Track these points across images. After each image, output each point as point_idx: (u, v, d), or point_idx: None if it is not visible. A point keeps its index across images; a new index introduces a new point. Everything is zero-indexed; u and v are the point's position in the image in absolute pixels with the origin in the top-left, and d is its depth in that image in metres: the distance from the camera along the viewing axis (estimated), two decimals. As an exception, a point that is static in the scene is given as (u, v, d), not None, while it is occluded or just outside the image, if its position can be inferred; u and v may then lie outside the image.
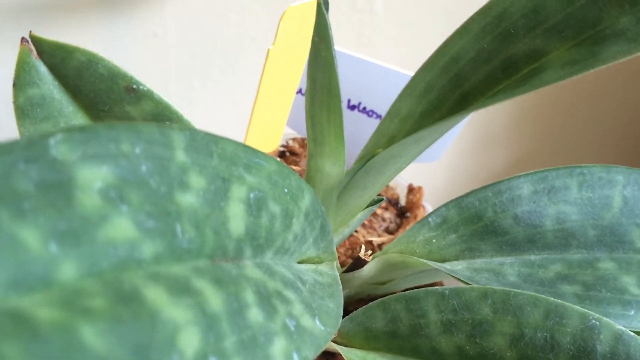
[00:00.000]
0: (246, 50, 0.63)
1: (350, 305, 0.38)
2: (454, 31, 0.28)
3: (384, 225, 0.45)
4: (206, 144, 0.21)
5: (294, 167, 0.44)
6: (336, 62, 0.26)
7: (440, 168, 0.81)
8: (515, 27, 0.26)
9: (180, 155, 0.19)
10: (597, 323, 0.27)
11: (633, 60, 0.76)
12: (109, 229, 0.16)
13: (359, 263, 0.34)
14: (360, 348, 0.32)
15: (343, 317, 0.32)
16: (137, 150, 0.18)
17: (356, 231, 0.43)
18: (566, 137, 0.87)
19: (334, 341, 0.32)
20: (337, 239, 0.35)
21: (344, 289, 0.36)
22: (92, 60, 0.26)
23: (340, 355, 0.31)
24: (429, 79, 0.29)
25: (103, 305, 0.15)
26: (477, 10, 0.28)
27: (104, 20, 0.55)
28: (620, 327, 0.27)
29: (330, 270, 0.31)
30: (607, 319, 0.27)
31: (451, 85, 0.29)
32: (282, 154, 0.47)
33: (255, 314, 0.20)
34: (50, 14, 0.52)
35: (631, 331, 0.27)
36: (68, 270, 0.15)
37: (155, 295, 0.16)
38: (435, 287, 0.31)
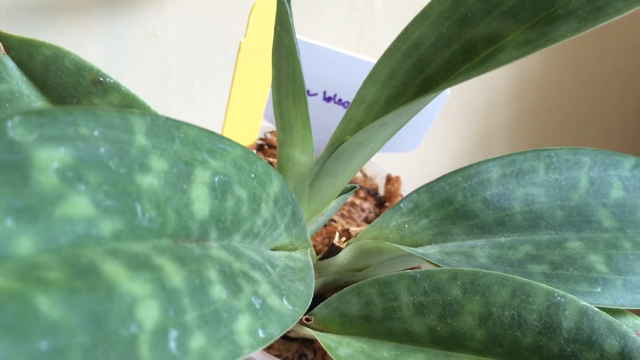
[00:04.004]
0: (245, 49, 0.63)
1: (328, 293, 0.38)
2: (414, 17, 0.29)
3: (363, 215, 0.46)
4: (168, 129, 0.21)
5: (272, 160, 0.44)
6: (298, 51, 0.26)
7: (441, 167, 0.81)
8: (472, 12, 0.27)
9: (141, 139, 0.20)
10: (562, 300, 0.28)
11: (633, 60, 0.76)
12: (66, 207, 0.17)
13: (333, 250, 0.34)
14: (336, 333, 0.32)
15: (320, 304, 0.33)
16: (96, 134, 0.18)
17: (335, 221, 0.44)
18: (566, 136, 0.88)
19: (311, 327, 0.33)
20: (312, 227, 0.36)
21: (321, 277, 0.37)
22: (58, 54, 0.27)
23: (318, 341, 0.32)
24: (392, 64, 0.30)
25: (59, 278, 0.15)
26: (436, -4, 0.28)
27: (104, 20, 0.55)
28: (585, 303, 0.28)
29: (304, 256, 0.31)
30: (572, 296, 0.28)
31: (414, 71, 0.30)
32: (260, 147, 0.47)
33: (218, 291, 0.21)
34: (50, 14, 0.53)
35: (598, 307, 0.28)
36: (25, 245, 0.15)
37: (113, 270, 0.17)
38: (407, 270, 0.31)
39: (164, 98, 0.63)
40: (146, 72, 0.61)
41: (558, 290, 0.28)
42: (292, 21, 0.26)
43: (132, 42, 0.58)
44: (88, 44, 0.56)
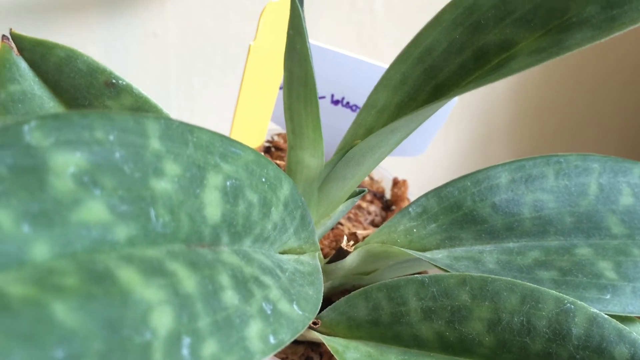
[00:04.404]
0: (246, 49, 0.63)
1: (335, 296, 0.38)
2: (427, 22, 0.29)
3: (370, 218, 0.46)
4: (181, 133, 0.21)
5: (279, 162, 0.44)
6: (311, 55, 0.26)
7: (440, 168, 0.81)
8: (485, 18, 0.27)
9: (155, 143, 0.20)
10: (572, 306, 0.28)
11: (633, 60, 0.76)
12: (82, 212, 0.17)
13: (341, 253, 0.34)
14: (343, 337, 0.32)
15: (328, 307, 0.33)
16: (111, 138, 0.18)
17: (341, 224, 0.44)
18: (566, 136, 0.88)
19: (317, 331, 0.32)
20: (319, 230, 0.36)
21: (328, 280, 0.37)
22: (71, 56, 0.27)
23: (325, 344, 0.32)
24: (404, 70, 0.30)
25: (75, 284, 0.15)
26: (449, 2, 0.28)
27: (104, 20, 0.55)
28: (595, 310, 0.28)
29: (312, 260, 0.31)
30: (582, 303, 0.28)
31: (426, 76, 0.29)
32: (267, 150, 0.47)
33: (230, 297, 0.21)
34: (50, 14, 0.53)
35: (607, 314, 0.28)
36: (41, 250, 0.15)
37: (128, 276, 0.17)
38: (415, 275, 0.31)
39: (164, 98, 0.63)
40: (146, 72, 0.61)
41: (568, 297, 0.28)
42: (305, 25, 0.26)
43: (132, 42, 0.58)
44: (88, 44, 0.56)
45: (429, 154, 0.80)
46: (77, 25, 0.55)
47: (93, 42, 0.56)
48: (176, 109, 0.65)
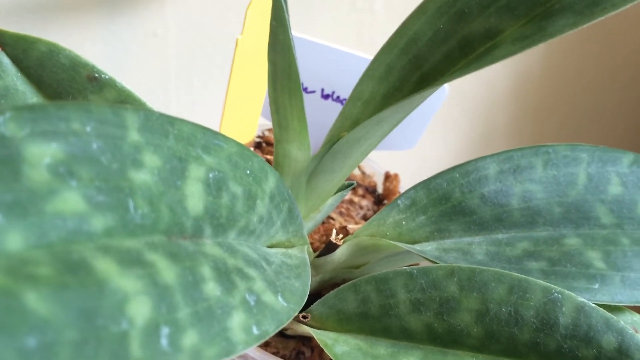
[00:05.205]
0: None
1: (325, 290, 0.38)
2: (411, 12, 0.29)
3: (361, 212, 0.46)
4: (161, 125, 0.21)
5: (270, 157, 0.44)
6: (294, 46, 0.26)
7: (441, 166, 0.81)
8: (469, 7, 0.27)
9: (134, 135, 0.20)
10: (560, 296, 0.28)
11: (633, 61, 0.76)
12: (57, 203, 0.17)
13: (330, 247, 0.34)
14: (333, 330, 0.32)
15: (317, 301, 0.33)
16: (88, 129, 0.18)
17: (333, 219, 0.44)
18: (566, 136, 0.88)
19: (307, 325, 0.32)
20: (309, 224, 0.35)
21: (318, 274, 0.37)
22: (53, 51, 0.27)
23: (315, 338, 0.31)
24: (389, 60, 0.30)
25: (49, 273, 0.15)
26: (433, -9, 0.28)
27: (104, 20, 0.55)
28: (582, 299, 0.28)
29: (300, 253, 0.31)
30: (569, 292, 0.28)
31: (411, 67, 0.29)
32: (258, 145, 0.47)
33: (212, 288, 0.21)
34: (50, 14, 0.53)
35: (596, 304, 0.28)
36: (15, 240, 0.15)
37: (104, 266, 0.17)
38: (403, 267, 0.31)
39: (164, 98, 0.63)
40: (146, 72, 0.61)
41: (555, 286, 0.28)
42: (288, 16, 0.26)
43: (132, 42, 0.58)
44: (88, 44, 0.56)
45: (429, 153, 0.80)
46: (77, 25, 0.55)
47: (93, 42, 0.56)
48: (176, 109, 0.65)
